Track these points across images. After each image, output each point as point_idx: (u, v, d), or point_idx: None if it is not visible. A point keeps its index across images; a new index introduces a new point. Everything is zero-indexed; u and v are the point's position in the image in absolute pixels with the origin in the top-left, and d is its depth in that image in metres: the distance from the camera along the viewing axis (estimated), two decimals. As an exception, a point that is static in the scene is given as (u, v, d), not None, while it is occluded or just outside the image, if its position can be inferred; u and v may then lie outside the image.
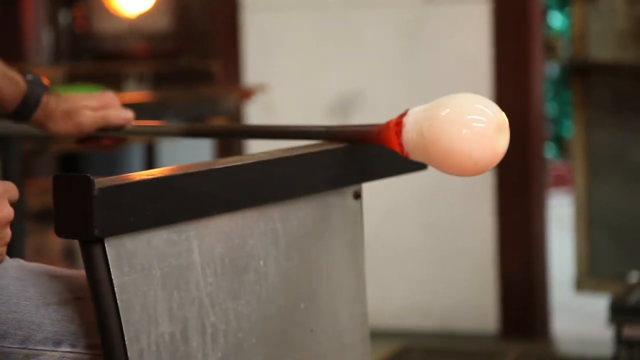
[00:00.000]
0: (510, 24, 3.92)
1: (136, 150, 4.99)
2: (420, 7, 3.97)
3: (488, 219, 3.93)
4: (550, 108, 7.50)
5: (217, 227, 1.28)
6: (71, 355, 1.25)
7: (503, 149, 1.34)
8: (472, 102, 1.34)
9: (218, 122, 3.76)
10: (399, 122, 1.38)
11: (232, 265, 1.30)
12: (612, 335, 3.07)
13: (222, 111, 3.79)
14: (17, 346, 1.25)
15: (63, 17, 5.56)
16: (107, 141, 1.71)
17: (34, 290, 1.27)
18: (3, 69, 1.61)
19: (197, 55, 5.36)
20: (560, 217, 5.11)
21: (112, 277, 1.16)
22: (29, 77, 1.64)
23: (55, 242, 3.92)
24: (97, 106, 1.67)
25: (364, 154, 1.48)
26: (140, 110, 1.82)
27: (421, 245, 4.01)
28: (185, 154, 4.73)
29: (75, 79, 4.64)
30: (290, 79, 4.11)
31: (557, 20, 7.53)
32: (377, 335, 3.76)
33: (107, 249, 1.15)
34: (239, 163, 1.30)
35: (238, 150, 4.09)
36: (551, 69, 7.40)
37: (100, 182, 1.14)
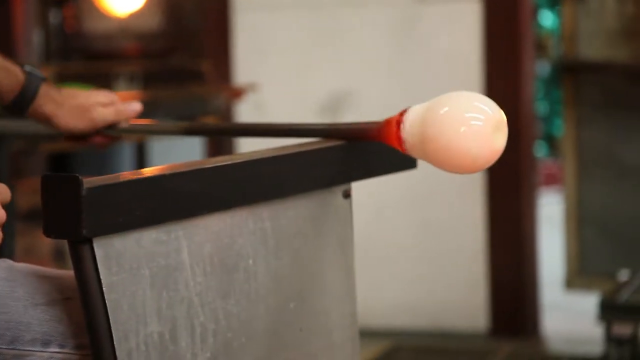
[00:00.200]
0: (501, 22, 3.92)
1: (127, 150, 4.99)
2: (411, 6, 3.97)
3: (478, 218, 3.94)
4: (540, 107, 7.51)
5: (206, 227, 1.28)
6: (60, 355, 1.25)
7: (501, 146, 1.36)
8: (471, 100, 1.36)
9: (209, 121, 3.75)
10: (399, 120, 1.39)
11: (221, 264, 1.30)
12: (602, 333, 3.07)
13: (212, 110, 3.79)
14: (5, 347, 1.25)
15: (53, 17, 5.55)
16: (101, 139, 1.71)
17: (23, 290, 1.27)
18: (0, 60, 1.61)
19: (188, 55, 5.35)
20: (551, 215, 5.12)
21: (101, 276, 1.16)
22: (27, 68, 1.64)
23: (45, 243, 3.91)
24: (107, 102, 1.68)
25: (353, 153, 1.48)
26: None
27: (412, 244, 4.01)
28: (176, 154, 4.72)
29: (65, 78, 4.64)
30: (281, 78, 4.11)
31: (547, 19, 7.54)
32: (368, 334, 3.77)
33: (95, 248, 1.15)
34: (228, 162, 1.30)
35: (229, 150, 4.09)
36: (542, 67, 7.41)
37: (89, 182, 1.13)
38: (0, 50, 1.69)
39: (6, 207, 1.21)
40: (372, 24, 4.03)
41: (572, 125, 4.08)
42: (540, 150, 7.19)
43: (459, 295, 3.97)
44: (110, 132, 1.70)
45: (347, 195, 1.49)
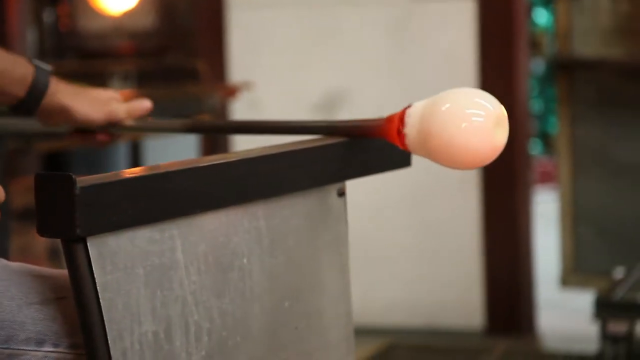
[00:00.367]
0: (495, 20, 3.92)
1: (122, 149, 4.98)
2: (405, 4, 3.97)
3: (474, 216, 3.94)
4: (535, 104, 7.51)
5: (201, 225, 1.27)
6: (54, 354, 1.25)
7: (502, 141, 1.37)
8: (472, 97, 1.37)
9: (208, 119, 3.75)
10: (400, 117, 1.39)
11: (216, 263, 1.29)
12: (597, 331, 3.07)
13: (207, 109, 3.78)
14: (-1, 346, 1.25)
15: (47, 16, 5.54)
16: (104, 137, 1.71)
17: (16, 289, 1.26)
18: (5, 53, 1.60)
19: (182, 53, 5.35)
20: (546, 213, 5.12)
21: (95, 276, 1.15)
22: (34, 61, 1.63)
23: (40, 242, 3.90)
24: (120, 98, 1.69)
25: (348, 152, 1.48)
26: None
27: (408, 243, 4.01)
28: (171, 152, 4.72)
29: (59, 77, 4.63)
30: (276, 77, 4.11)
31: (542, 17, 7.55)
32: (364, 332, 3.77)
33: (89, 247, 1.15)
34: (222, 161, 1.30)
35: (224, 149, 4.09)
36: (536, 65, 7.41)
37: (82, 180, 1.13)
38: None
39: (0, 206, 1.21)
40: (367, 22, 4.03)
41: (566, 123, 4.08)
42: (535, 148, 7.19)
43: (455, 294, 3.97)
44: (113, 129, 1.70)
45: (341, 193, 1.49)
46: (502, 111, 1.37)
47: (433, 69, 3.94)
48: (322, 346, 1.47)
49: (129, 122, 1.70)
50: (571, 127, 4.07)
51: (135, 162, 4.34)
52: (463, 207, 3.95)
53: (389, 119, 1.42)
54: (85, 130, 1.69)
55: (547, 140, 7.60)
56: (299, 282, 1.42)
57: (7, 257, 1.33)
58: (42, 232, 1.14)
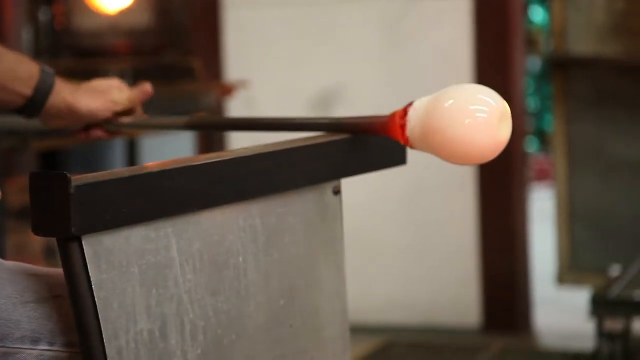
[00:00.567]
0: (491, 18, 3.92)
1: (117, 147, 4.98)
2: (401, 1, 3.97)
3: (470, 214, 3.94)
4: (531, 102, 7.52)
5: (196, 224, 1.27)
6: (49, 353, 1.25)
7: (506, 137, 1.38)
8: (475, 92, 1.37)
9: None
10: (404, 113, 1.39)
11: (211, 261, 1.29)
12: (593, 329, 3.07)
13: (203, 107, 3.78)
14: (-6, 344, 1.25)
15: (43, 14, 5.54)
16: (102, 134, 1.71)
17: (11, 288, 1.26)
18: (10, 52, 1.59)
19: (178, 52, 5.34)
20: (542, 210, 5.13)
21: (90, 274, 1.15)
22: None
23: (36, 240, 3.90)
24: (121, 85, 1.68)
25: (343, 150, 1.48)
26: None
27: (405, 241, 4.01)
28: (167, 150, 4.71)
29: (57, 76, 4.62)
30: (271, 75, 4.11)
31: (537, 14, 7.55)
32: (361, 330, 3.77)
33: (84, 246, 1.15)
34: (217, 159, 1.30)
35: (220, 147, 4.09)
36: (532, 63, 7.42)
37: (77, 179, 1.13)
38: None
39: (-4, 204, 1.21)
40: (362, 19, 4.02)
41: (562, 121, 4.08)
42: (531, 146, 7.19)
43: (452, 291, 3.97)
44: (112, 127, 1.70)
45: (336, 191, 1.49)
46: (505, 107, 1.37)
47: (429, 66, 3.94)
48: (318, 344, 1.47)
49: (128, 120, 1.70)
50: (567, 124, 4.07)
51: (132, 160, 4.34)
52: (459, 205, 3.95)
53: (392, 116, 1.42)
54: (89, 126, 1.69)
55: (543, 138, 7.60)
56: (295, 280, 1.42)
57: (2, 256, 1.33)
58: (37, 230, 1.14)
